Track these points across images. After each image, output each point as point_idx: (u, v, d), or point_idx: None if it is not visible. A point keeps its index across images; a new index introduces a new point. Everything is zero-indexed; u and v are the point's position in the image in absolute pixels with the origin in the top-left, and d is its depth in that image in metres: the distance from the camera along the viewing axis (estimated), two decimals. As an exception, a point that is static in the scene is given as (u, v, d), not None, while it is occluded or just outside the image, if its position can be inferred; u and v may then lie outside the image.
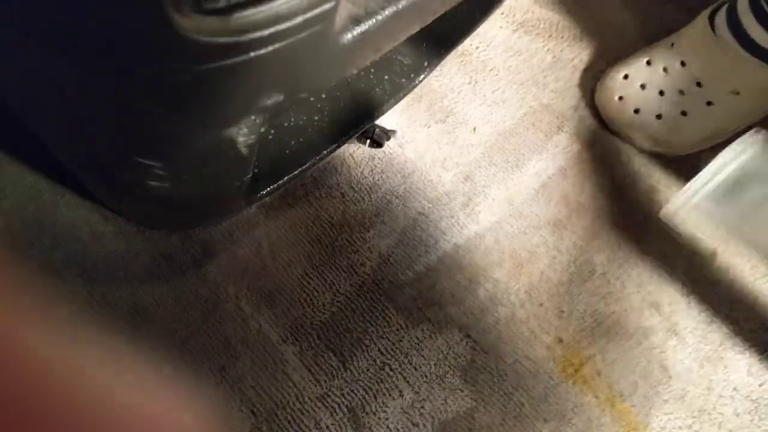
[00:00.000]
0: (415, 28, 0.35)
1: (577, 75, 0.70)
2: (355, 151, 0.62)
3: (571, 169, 0.65)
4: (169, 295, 0.55)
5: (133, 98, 0.28)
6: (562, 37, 0.72)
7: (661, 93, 0.63)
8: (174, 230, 0.57)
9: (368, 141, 0.59)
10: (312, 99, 0.53)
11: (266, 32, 0.25)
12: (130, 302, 0.55)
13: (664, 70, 0.63)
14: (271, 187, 0.50)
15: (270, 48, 0.26)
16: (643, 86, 0.64)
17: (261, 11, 0.25)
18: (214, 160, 0.34)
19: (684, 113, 0.63)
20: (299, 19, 0.26)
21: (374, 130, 0.58)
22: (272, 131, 0.51)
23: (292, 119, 0.52)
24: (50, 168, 0.57)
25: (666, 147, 0.64)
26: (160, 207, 0.47)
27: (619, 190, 0.64)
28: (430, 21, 0.36)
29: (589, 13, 0.74)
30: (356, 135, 0.56)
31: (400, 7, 0.30)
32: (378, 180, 0.62)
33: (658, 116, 0.63)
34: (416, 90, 0.66)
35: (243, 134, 0.30)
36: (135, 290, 0.55)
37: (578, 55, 0.71)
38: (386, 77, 0.56)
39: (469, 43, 0.71)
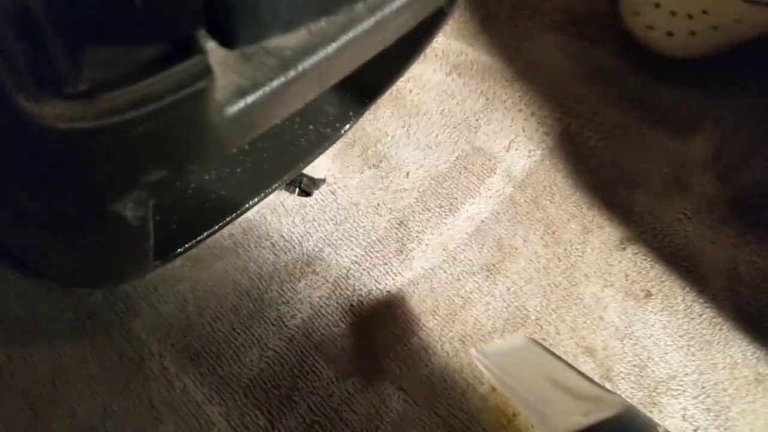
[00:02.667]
0: (312, 95, 0.34)
1: (510, 116, 0.70)
2: (286, 199, 0.61)
3: (504, 213, 0.64)
4: (92, 355, 0.53)
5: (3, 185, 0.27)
6: (494, 79, 0.72)
7: (673, 14, 0.71)
8: (95, 287, 0.55)
9: (297, 190, 0.58)
10: (233, 152, 0.52)
11: (136, 114, 0.24)
12: (52, 364, 0.53)
13: None
14: (190, 243, 0.48)
15: (141, 128, 0.25)
16: (657, 5, 0.72)
17: (127, 92, 0.24)
18: (106, 234, 0.33)
19: (692, 33, 0.72)
20: (170, 99, 0.25)
21: (302, 179, 0.57)
22: (191, 185, 0.50)
23: (213, 172, 0.51)
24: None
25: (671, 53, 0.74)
26: (68, 272, 0.45)
27: (552, 233, 0.64)
28: (330, 85, 0.35)
29: (521, 56, 0.74)
30: (282, 186, 0.55)
31: (290, 77, 0.29)
32: (309, 228, 0.61)
33: (670, 33, 0.73)
34: (349, 135, 0.66)
35: (130, 209, 0.29)
36: (57, 351, 0.53)
37: (510, 96, 0.71)
38: (311, 127, 0.55)
39: (403, 86, 0.71)
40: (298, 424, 0.52)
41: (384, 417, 0.53)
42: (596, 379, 0.56)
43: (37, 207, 0.29)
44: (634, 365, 0.58)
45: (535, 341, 0.53)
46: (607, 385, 0.56)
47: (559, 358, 0.48)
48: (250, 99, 0.28)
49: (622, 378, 0.57)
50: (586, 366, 0.57)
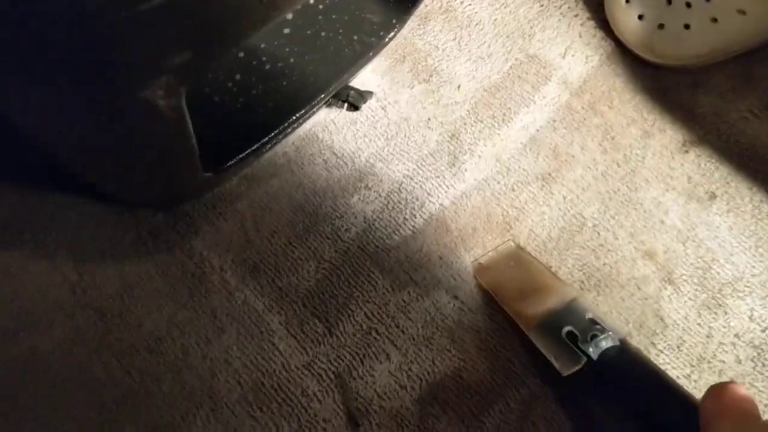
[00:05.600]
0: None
1: (566, 22, 0.68)
2: (337, 116, 0.61)
3: (560, 121, 0.62)
4: (156, 272, 0.56)
5: (41, 69, 0.28)
6: (548, -15, 0.69)
7: (669, 2, 0.64)
8: (157, 207, 0.57)
9: (344, 104, 0.58)
10: (279, 65, 0.52)
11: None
12: (119, 280, 0.55)
13: None
14: (239, 157, 0.49)
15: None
16: None
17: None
18: (148, 131, 0.34)
19: (687, 26, 0.62)
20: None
21: (349, 92, 0.57)
22: (240, 100, 0.51)
23: (260, 87, 0.52)
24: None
25: (660, 57, 0.64)
26: (131, 186, 0.47)
27: (611, 139, 0.62)
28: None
29: (576, -43, 0.71)
30: (328, 99, 0.55)
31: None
32: (361, 144, 0.61)
33: (661, 26, 0.63)
34: (399, 50, 0.65)
35: (161, 96, 0.29)
36: (123, 268, 0.56)
37: (566, 1, 0.69)
38: (355, 37, 0.54)
39: (453, -2, 0.69)
40: (356, 331, 0.53)
41: (439, 324, 0.54)
42: (657, 282, 0.55)
43: (78, 100, 0.30)
44: (697, 267, 0.56)
45: (519, 247, 0.56)
46: (669, 288, 0.55)
47: (535, 259, 0.55)
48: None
49: (685, 280, 0.55)
50: (646, 269, 0.55)
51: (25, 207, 0.57)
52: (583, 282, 0.55)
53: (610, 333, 0.46)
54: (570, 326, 0.47)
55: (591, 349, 0.45)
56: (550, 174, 0.60)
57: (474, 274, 0.55)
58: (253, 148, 0.50)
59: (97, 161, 0.42)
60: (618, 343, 0.46)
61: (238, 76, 0.53)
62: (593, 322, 0.47)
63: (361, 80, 0.63)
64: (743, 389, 0.37)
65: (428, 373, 0.52)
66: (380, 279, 0.55)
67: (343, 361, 0.53)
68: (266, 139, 0.50)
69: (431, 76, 0.64)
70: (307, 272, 0.56)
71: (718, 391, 0.37)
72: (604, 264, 0.56)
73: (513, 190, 0.59)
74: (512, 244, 0.56)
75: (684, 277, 0.55)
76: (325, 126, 0.61)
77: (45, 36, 0.26)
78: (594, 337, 0.46)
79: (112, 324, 0.54)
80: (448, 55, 0.66)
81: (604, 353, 0.45)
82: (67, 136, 0.38)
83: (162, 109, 0.30)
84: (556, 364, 0.47)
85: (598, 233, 0.57)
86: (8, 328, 0.52)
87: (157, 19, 0.25)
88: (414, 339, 0.53)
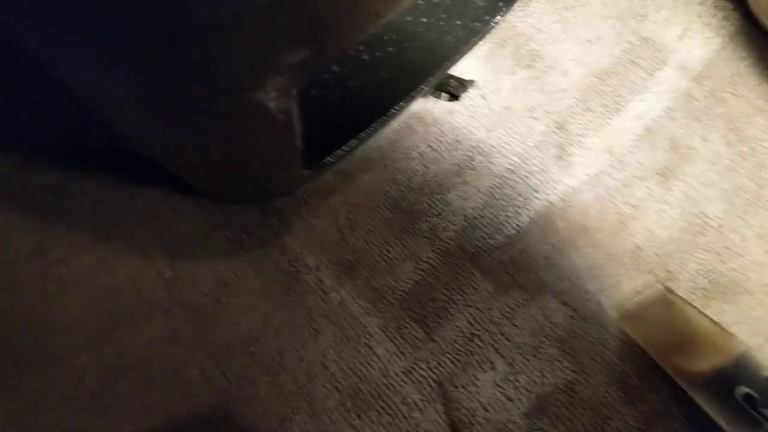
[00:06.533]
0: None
1: (681, 2, 0.62)
2: (433, 107, 0.58)
3: (678, 110, 0.57)
4: (250, 269, 0.54)
5: (156, 69, 0.26)
6: (663, -41, 0.63)
7: None
8: (250, 203, 0.55)
9: (444, 94, 0.55)
10: (376, 55, 0.49)
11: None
12: (214, 277, 0.54)
13: None
14: (338, 152, 0.46)
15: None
16: None
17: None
18: (256, 134, 0.31)
19: None
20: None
21: (450, 82, 0.54)
22: (336, 92, 0.48)
23: (358, 78, 0.49)
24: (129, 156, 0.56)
25: None
26: (225, 182, 0.45)
27: (735, 129, 0.56)
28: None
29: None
30: (429, 88, 0.52)
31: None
32: (459, 136, 0.57)
33: None
34: (499, 34, 0.61)
35: (273, 98, 0.27)
36: (217, 265, 0.55)
37: (684, -23, 0.63)
38: (458, 22, 0.51)
39: (557, -23, 0.64)
40: (457, 337, 0.50)
41: (548, 332, 0.50)
42: (794, 291, 0.50)
43: (190, 101, 0.28)
44: (843, 275, 0.50)
45: (670, 291, 0.50)
46: (809, 298, 0.49)
47: (690, 304, 0.48)
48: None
49: (828, 289, 0.49)
50: (782, 277, 0.50)
51: (113, 200, 0.56)
52: (707, 290, 0.50)
53: None
54: (746, 387, 0.41)
55: None
56: (668, 168, 0.55)
57: (620, 323, 0.51)
58: (351, 142, 0.47)
59: (195, 159, 0.40)
60: None
61: (335, 68, 0.50)
62: None
63: (458, 67, 0.59)
64: None
65: (537, 384, 0.49)
66: (482, 281, 0.52)
67: (444, 368, 0.50)
68: (364, 132, 0.47)
69: (534, 61, 0.60)
70: (404, 273, 0.53)
71: None
72: (731, 269, 0.51)
73: (627, 185, 0.55)
74: (661, 287, 0.51)
75: (826, 286, 0.50)
76: (420, 117, 0.58)
77: (152, 36, 0.23)
78: None
79: (207, 323, 0.52)
80: (552, 39, 0.61)
81: None
82: (167, 134, 0.36)
83: (272, 111, 0.27)
84: (729, 430, 0.41)
85: (724, 234, 0.52)
86: (103, 324, 0.52)
87: (272, 14, 0.23)
88: (521, 348, 0.50)
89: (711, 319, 0.46)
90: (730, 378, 0.42)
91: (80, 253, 0.53)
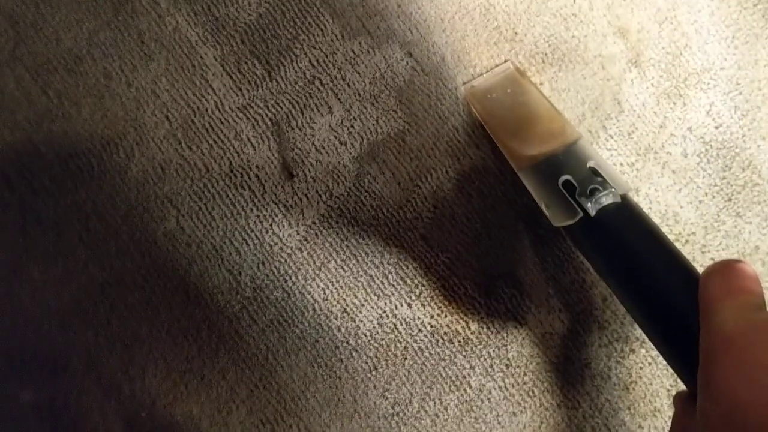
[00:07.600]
0: None
1: None
2: None
3: None
4: (75, -18, 0.49)
5: None
6: None
7: None
8: None
9: None
10: None
11: None
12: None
13: None
14: None
15: None
16: None
17: None
18: None
19: None
20: None
21: None
22: None
23: None
24: None
25: None
26: None
27: None
28: None
29: None
30: None
31: None
32: None
33: None
34: None
35: None
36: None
37: None
38: None
39: None
40: (298, 78, 0.49)
41: (389, 82, 0.50)
42: (623, 62, 0.52)
43: None
44: (668, 52, 0.52)
45: (520, 72, 0.50)
46: (634, 71, 0.52)
47: (536, 88, 0.49)
48: None
49: (652, 65, 0.52)
50: (615, 48, 0.52)
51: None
52: (546, 54, 0.51)
53: (613, 188, 0.40)
54: (568, 175, 0.42)
55: (589, 205, 0.40)
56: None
57: (465, 98, 0.50)
58: None
59: None
60: (619, 200, 0.40)
61: None
62: (595, 172, 0.41)
63: None
64: (751, 268, 0.33)
65: (370, 132, 0.49)
66: (329, 23, 0.50)
67: (281, 108, 0.49)
68: None
69: None
70: (248, 4, 0.50)
71: (725, 270, 0.33)
72: (573, 36, 0.52)
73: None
74: (511, 66, 0.50)
75: (652, 61, 0.52)
76: None
77: None
78: (594, 191, 0.40)
79: (25, 35, 0.48)
80: None
81: (603, 210, 0.40)
82: None
83: None
84: (548, 213, 0.42)
85: (574, 1, 0.52)
86: None
87: None
88: (359, 94, 0.50)
89: (554, 106, 0.47)
90: (557, 165, 0.42)
91: None
